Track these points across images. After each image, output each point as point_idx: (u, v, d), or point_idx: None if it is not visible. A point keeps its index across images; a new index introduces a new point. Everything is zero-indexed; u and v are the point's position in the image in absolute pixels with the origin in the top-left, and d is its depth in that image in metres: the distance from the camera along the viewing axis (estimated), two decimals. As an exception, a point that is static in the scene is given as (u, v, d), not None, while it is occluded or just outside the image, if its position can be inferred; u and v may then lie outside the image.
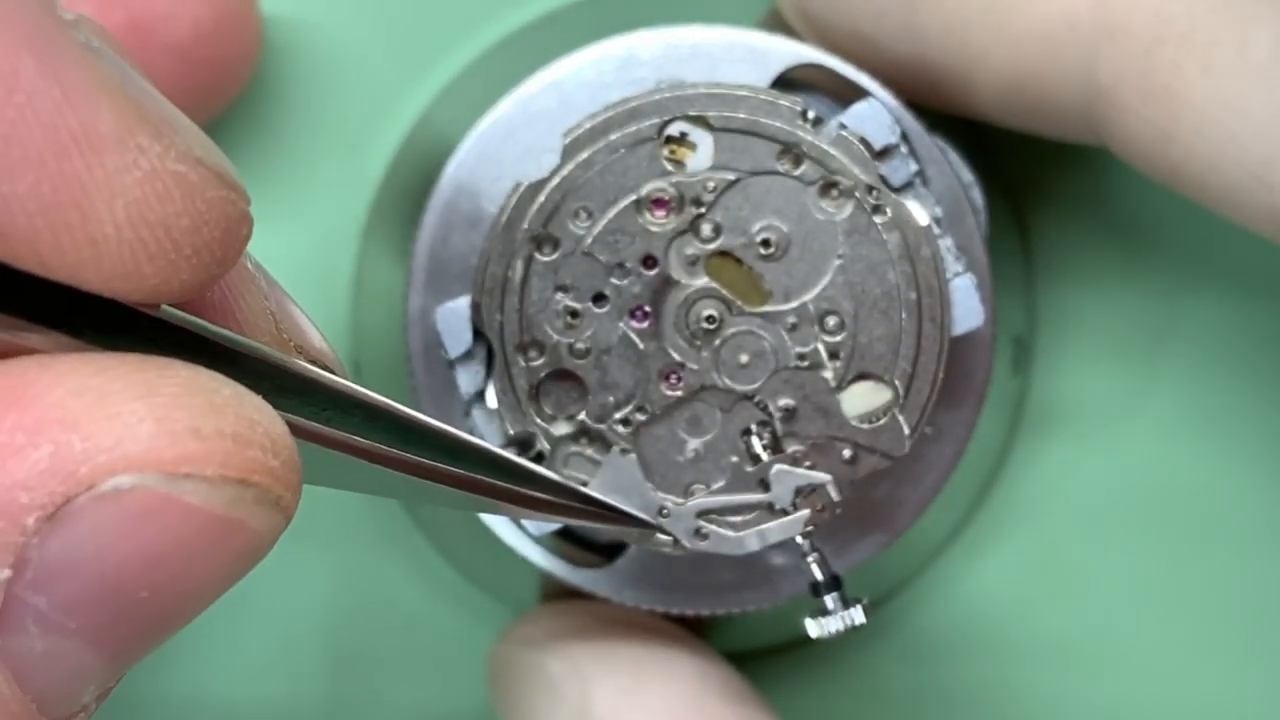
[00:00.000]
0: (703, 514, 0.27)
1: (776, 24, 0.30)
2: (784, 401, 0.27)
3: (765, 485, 0.27)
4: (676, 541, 0.27)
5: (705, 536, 0.27)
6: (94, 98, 0.18)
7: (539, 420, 0.27)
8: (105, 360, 0.18)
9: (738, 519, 0.27)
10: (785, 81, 0.28)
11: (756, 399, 0.27)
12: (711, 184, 0.27)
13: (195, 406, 0.18)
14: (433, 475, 0.21)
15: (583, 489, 0.23)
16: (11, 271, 0.18)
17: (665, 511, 0.27)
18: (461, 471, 0.21)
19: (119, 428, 0.17)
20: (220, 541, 0.18)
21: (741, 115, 0.27)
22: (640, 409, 0.27)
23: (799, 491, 0.27)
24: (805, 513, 0.27)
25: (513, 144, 0.28)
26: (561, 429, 0.27)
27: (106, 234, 0.18)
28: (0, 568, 0.17)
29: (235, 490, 0.18)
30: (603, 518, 0.24)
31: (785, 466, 0.27)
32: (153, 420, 0.18)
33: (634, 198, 0.27)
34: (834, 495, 0.27)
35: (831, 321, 0.27)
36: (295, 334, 0.22)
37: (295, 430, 0.19)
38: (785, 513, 0.27)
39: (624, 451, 0.27)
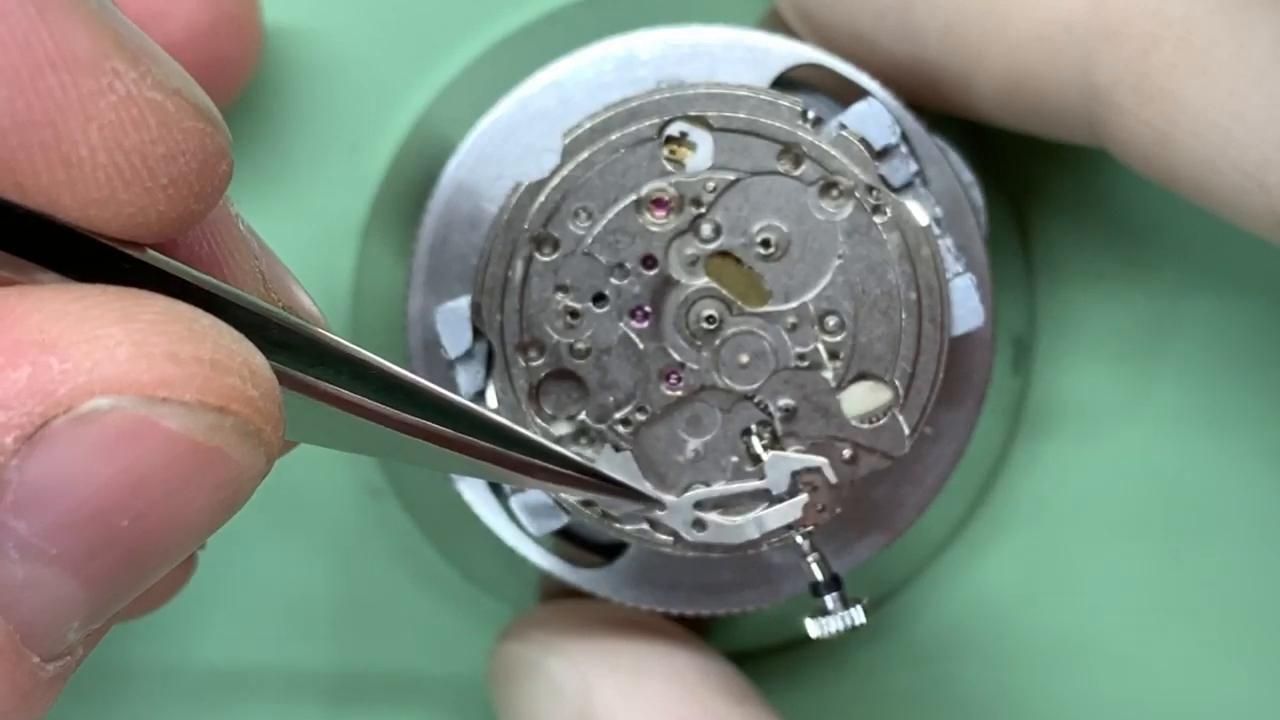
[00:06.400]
0: (700, 505, 0.27)
1: (776, 24, 0.30)
2: (784, 401, 0.27)
3: (763, 477, 0.27)
4: (677, 538, 0.27)
5: (704, 527, 0.27)
6: (69, 19, 0.18)
7: (539, 420, 0.27)
8: (84, 289, 0.18)
9: (736, 513, 0.27)
10: (785, 81, 0.28)
11: (756, 399, 0.27)
12: (711, 184, 0.27)
13: (173, 333, 0.18)
14: (420, 432, 0.21)
15: (567, 453, 0.22)
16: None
17: (663, 505, 0.27)
18: (448, 430, 0.21)
19: (97, 350, 0.17)
20: (201, 471, 0.18)
21: (741, 115, 0.27)
22: (640, 409, 0.27)
23: (795, 476, 0.27)
24: (803, 497, 0.27)
25: (513, 144, 0.28)
26: (561, 429, 0.27)
27: (81, 156, 0.18)
28: None
29: (214, 417, 0.18)
30: (588, 485, 0.23)
31: (780, 452, 0.27)
32: (130, 344, 0.18)
33: (634, 198, 0.27)
34: (830, 478, 0.27)
35: (831, 321, 0.27)
36: (285, 296, 0.22)
37: (281, 379, 0.19)
38: (783, 499, 0.27)
39: (617, 449, 0.27)
